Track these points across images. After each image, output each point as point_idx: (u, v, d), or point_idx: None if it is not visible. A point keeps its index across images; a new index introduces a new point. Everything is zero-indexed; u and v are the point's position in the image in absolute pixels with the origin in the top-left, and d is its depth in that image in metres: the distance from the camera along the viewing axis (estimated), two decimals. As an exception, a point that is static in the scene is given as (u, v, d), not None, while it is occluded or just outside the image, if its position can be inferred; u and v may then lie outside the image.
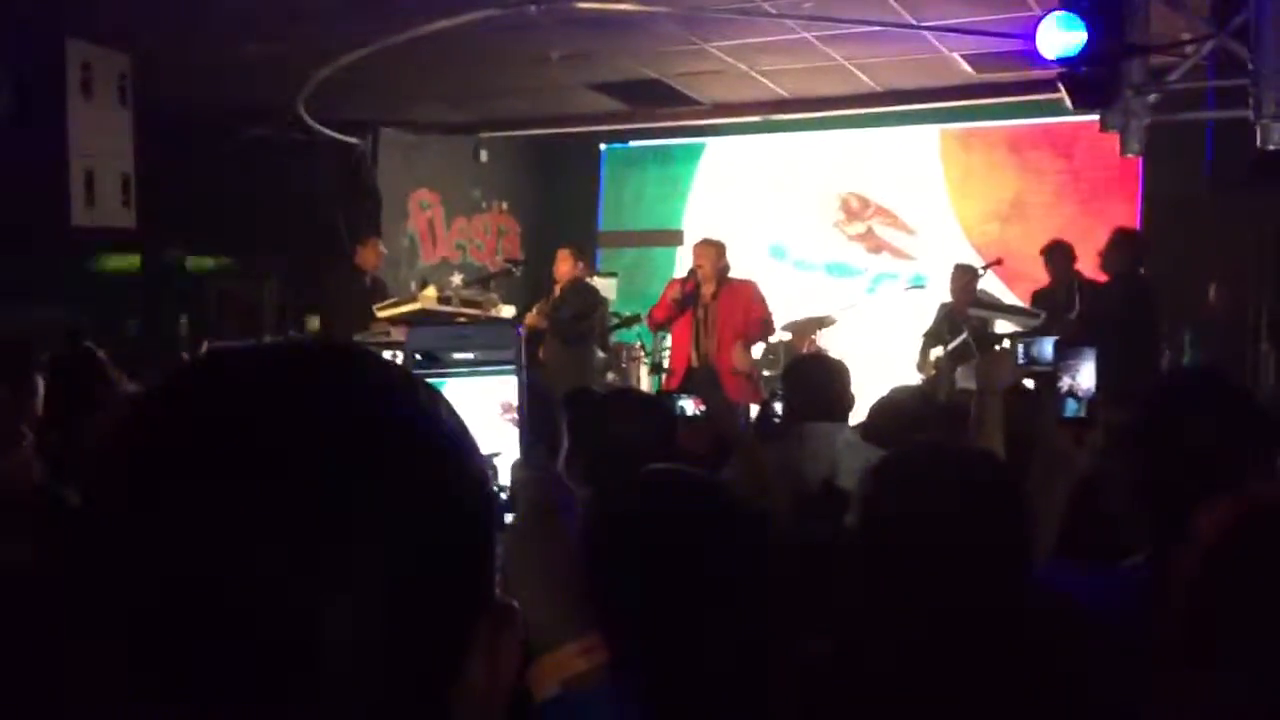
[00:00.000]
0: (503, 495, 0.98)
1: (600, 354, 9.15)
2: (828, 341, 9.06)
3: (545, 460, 1.02)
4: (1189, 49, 4.58)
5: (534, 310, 8.12)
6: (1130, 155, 4.62)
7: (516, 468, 0.99)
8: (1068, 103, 4.52)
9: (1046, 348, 3.76)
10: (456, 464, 0.63)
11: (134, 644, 0.55)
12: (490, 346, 0.99)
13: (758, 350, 8.88)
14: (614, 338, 9.39)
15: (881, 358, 9.06)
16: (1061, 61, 4.43)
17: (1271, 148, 4.16)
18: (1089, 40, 4.26)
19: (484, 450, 0.99)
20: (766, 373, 8.83)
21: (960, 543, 1.45)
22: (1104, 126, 4.49)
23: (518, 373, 0.99)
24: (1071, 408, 2.30)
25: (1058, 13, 4.43)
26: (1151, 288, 7.02)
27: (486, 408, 0.99)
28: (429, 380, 0.71)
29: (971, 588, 1.44)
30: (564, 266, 8.23)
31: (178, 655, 0.54)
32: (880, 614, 1.48)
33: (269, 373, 0.62)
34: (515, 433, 0.99)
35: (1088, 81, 4.37)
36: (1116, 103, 4.39)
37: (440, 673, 0.61)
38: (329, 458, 0.57)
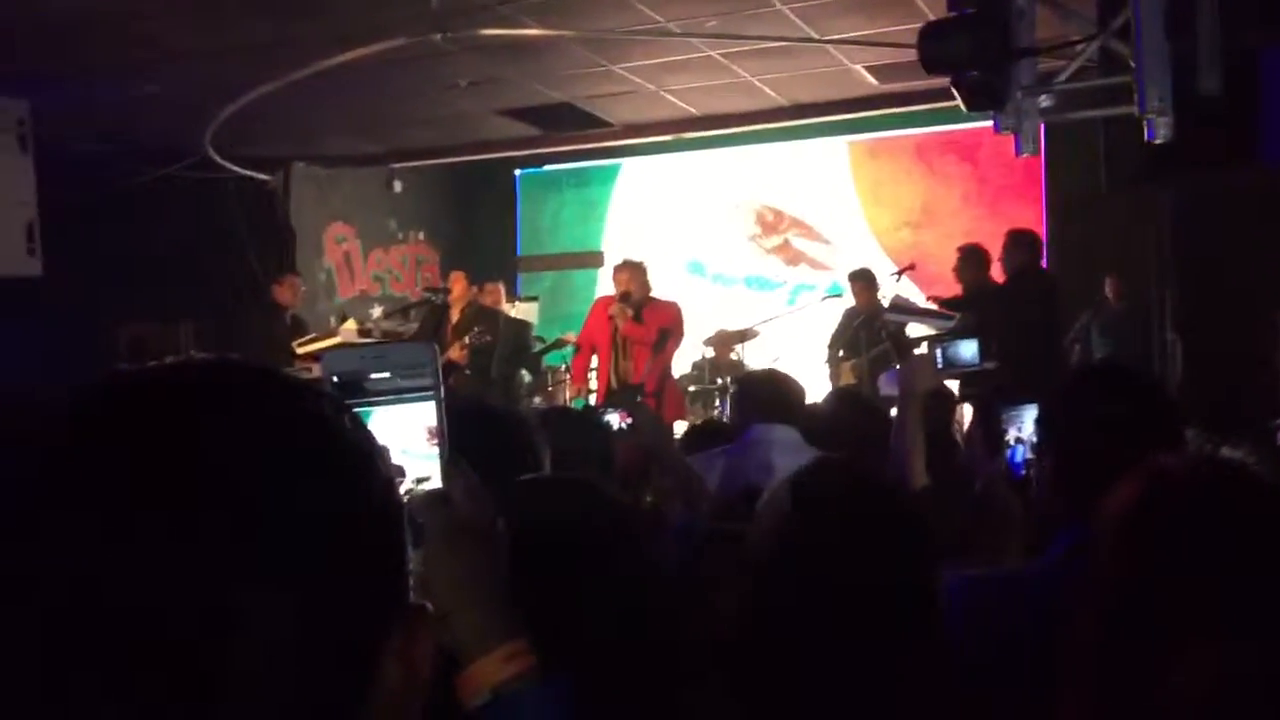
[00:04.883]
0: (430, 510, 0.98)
1: (528, 377, 9.15)
2: (750, 354, 9.16)
3: (469, 471, 1.03)
4: (1076, 49, 4.74)
5: (458, 346, 8.04)
6: (1026, 155, 4.77)
7: (445, 478, 0.99)
8: (963, 107, 4.66)
9: (963, 350, 3.83)
10: (365, 467, 0.65)
11: (48, 650, 0.55)
12: (407, 366, 0.98)
13: (684, 365, 8.96)
14: (544, 361, 9.40)
15: (805, 367, 9.19)
16: (950, 67, 4.54)
17: (1159, 141, 4.33)
18: (975, 44, 4.39)
19: (414, 476, 0.99)
20: (692, 388, 8.91)
21: (857, 578, 1.42)
22: (998, 128, 4.64)
23: (436, 396, 0.99)
24: (1020, 454, 2.36)
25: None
26: (1052, 285, 7.19)
27: (413, 434, 0.99)
28: (354, 409, 0.72)
29: (869, 625, 1.41)
30: (459, 288, 8.30)
31: (89, 657, 0.55)
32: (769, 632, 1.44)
33: (170, 385, 0.63)
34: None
35: (979, 85, 4.51)
36: (1008, 105, 4.54)
37: (354, 673, 0.62)
38: (238, 459, 0.59)
